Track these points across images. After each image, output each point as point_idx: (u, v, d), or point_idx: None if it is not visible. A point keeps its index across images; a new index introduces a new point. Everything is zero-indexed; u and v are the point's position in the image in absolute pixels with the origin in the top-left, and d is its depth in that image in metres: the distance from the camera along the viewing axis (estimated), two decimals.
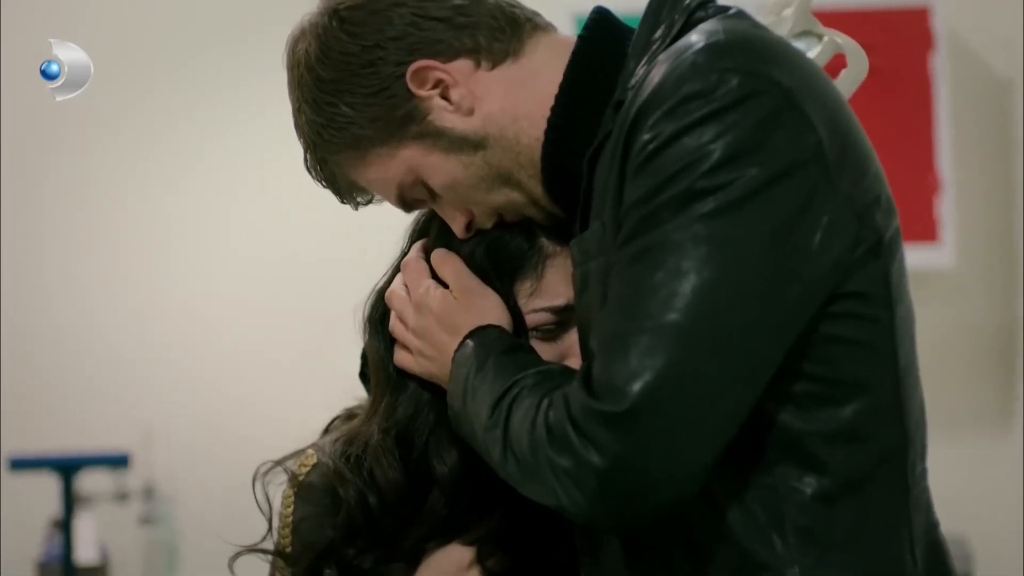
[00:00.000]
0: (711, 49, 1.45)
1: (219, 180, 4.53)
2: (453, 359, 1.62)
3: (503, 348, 1.60)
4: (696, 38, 1.48)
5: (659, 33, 1.56)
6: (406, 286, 1.71)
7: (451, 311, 1.66)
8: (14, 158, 4.49)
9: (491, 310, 1.66)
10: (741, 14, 1.54)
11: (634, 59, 1.56)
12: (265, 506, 1.79)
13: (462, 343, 1.62)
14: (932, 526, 1.55)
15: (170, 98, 4.51)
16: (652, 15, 1.58)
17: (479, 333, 1.62)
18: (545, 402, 1.48)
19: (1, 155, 4.47)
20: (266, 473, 1.79)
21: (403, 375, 1.74)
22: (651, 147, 1.43)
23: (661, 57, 1.50)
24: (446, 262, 1.70)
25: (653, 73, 1.48)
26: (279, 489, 1.81)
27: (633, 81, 1.53)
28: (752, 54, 1.46)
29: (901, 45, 4.21)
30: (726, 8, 1.55)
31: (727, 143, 1.41)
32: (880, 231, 1.48)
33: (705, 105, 1.42)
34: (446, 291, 1.68)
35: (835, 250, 1.44)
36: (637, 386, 1.39)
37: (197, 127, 4.52)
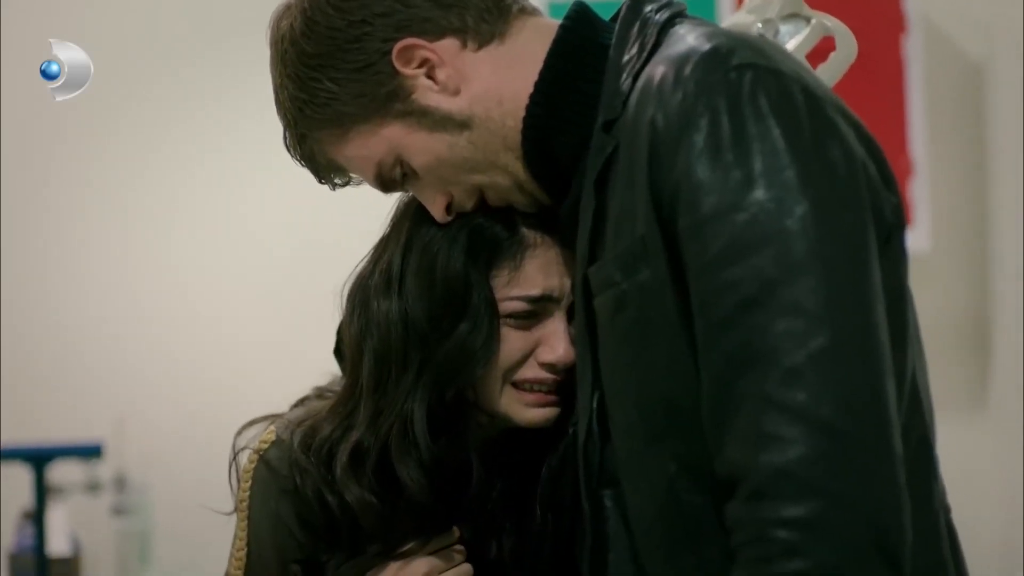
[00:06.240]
0: (716, 52, 1.43)
1: (193, 166, 4.51)
2: None
3: None
4: (694, 43, 1.45)
5: (633, 52, 1.54)
6: None
7: None
8: (14, 158, 4.47)
9: None
10: (712, 24, 1.53)
11: (614, 78, 1.54)
12: (235, 488, 1.78)
13: None
14: (947, 511, 1.55)
15: (170, 98, 4.50)
16: (620, 40, 1.56)
17: None
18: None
19: (1, 155, 4.45)
20: (239, 433, 1.78)
21: (380, 378, 1.71)
22: (698, 167, 1.39)
23: (655, 70, 1.47)
24: None
25: (657, 86, 1.45)
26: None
27: (621, 99, 1.50)
28: (755, 52, 1.44)
29: (873, 28, 4.20)
30: (695, 19, 1.54)
31: (775, 148, 1.37)
32: (900, 215, 1.48)
33: (735, 113, 1.39)
34: None
35: (879, 234, 1.42)
36: (827, 409, 1.32)
37: (197, 125, 4.50)
